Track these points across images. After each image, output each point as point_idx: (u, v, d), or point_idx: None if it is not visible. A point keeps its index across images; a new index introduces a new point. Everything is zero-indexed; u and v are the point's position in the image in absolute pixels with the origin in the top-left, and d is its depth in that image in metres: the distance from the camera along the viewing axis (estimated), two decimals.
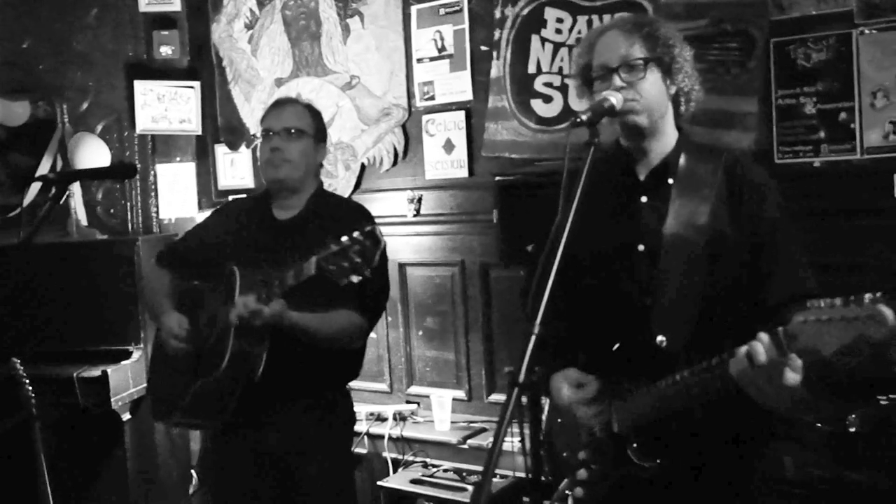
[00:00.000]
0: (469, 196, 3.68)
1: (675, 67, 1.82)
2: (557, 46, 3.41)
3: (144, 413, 3.69)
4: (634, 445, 1.74)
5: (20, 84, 4.25)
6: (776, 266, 1.76)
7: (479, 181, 3.62)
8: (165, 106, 4.34)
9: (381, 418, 3.68)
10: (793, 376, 1.47)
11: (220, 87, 4.41)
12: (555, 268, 1.47)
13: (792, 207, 1.84)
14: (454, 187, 3.72)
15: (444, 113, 3.72)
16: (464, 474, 3.32)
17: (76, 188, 4.17)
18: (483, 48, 3.60)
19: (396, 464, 3.55)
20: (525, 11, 3.47)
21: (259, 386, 2.28)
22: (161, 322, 2.47)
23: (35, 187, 4.07)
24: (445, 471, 3.37)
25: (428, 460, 3.48)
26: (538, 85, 3.46)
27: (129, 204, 4.34)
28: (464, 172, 3.67)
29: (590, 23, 3.32)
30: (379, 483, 3.39)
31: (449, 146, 3.71)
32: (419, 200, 3.80)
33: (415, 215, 3.81)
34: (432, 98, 3.75)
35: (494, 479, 3.06)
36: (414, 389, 3.85)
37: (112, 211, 4.35)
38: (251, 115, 4.28)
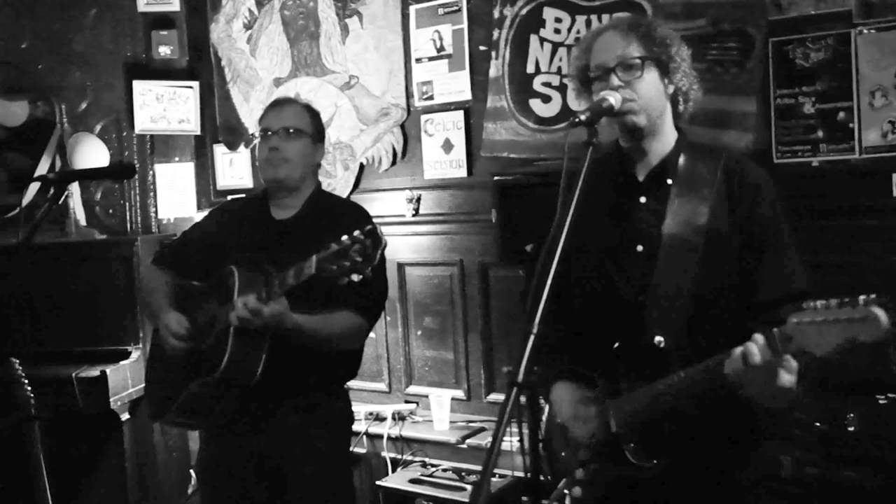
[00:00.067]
0: (468, 196, 3.68)
1: (672, 67, 1.83)
2: (556, 46, 3.41)
3: (143, 413, 3.68)
4: (632, 445, 1.74)
5: (19, 84, 4.24)
6: (769, 265, 1.76)
7: (477, 181, 3.62)
8: (164, 106, 4.34)
9: (379, 418, 3.68)
10: (787, 377, 1.48)
11: (218, 87, 4.40)
12: (553, 268, 1.47)
13: (790, 207, 1.85)
14: (453, 187, 3.72)
15: (442, 113, 3.71)
16: (463, 474, 3.31)
17: (75, 188, 4.16)
18: (482, 48, 3.59)
19: (395, 463, 3.54)
20: (524, 11, 3.47)
21: (256, 386, 2.27)
22: (160, 321, 2.45)
23: (34, 187, 4.06)
24: (444, 470, 3.36)
25: (427, 460, 3.47)
26: (537, 85, 3.46)
27: (127, 204, 4.34)
28: (462, 172, 3.67)
29: (588, 23, 3.31)
30: (378, 483, 3.38)
31: (448, 146, 3.70)
32: (418, 200, 3.80)
33: (413, 215, 3.81)
34: (431, 98, 3.74)
35: (493, 479, 3.06)
36: (413, 389, 3.85)
37: (111, 211, 4.35)
38: (250, 114, 4.28)
